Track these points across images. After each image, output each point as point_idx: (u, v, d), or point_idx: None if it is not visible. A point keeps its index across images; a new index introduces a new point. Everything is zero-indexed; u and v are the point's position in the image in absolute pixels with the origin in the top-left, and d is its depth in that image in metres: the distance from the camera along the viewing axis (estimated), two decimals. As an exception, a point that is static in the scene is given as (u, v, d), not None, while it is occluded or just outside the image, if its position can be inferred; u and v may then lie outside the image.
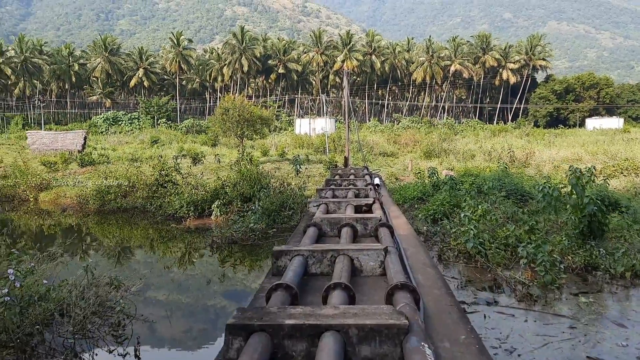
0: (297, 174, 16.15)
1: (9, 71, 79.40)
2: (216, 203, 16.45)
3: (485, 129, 69.92)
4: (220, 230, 13.62)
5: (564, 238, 10.80)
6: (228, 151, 45.02)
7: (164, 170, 19.90)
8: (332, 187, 12.01)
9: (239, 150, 23.09)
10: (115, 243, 15.39)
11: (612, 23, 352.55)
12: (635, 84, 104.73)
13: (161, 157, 37.88)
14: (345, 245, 4.56)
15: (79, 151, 41.81)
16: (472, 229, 10.75)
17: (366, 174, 14.77)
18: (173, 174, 20.09)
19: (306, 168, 27.92)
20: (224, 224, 16.31)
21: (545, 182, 14.93)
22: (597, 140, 41.50)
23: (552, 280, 9.02)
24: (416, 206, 17.99)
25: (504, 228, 11.86)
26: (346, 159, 17.26)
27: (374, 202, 8.66)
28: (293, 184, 21.12)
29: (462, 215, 11.68)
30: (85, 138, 44.28)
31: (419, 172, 25.13)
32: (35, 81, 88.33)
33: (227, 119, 28.71)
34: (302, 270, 3.77)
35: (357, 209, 8.30)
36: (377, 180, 13.80)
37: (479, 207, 12.22)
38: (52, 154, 41.12)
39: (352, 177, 14.67)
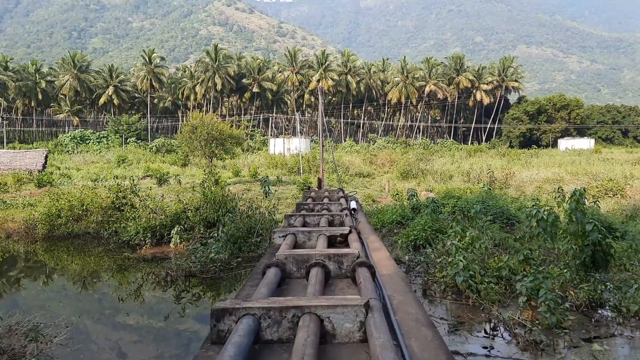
0: (267, 196, 14.71)
1: (-30, 87, 76.30)
2: (175, 229, 14.83)
3: (461, 149, 69.73)
4: (175, 261, 12.01)
5: (564, 270, 9.55)
6: (198, 171, 43.29)
7: (120, 192, 18.21)
8: (303, 212, 10.55)
9: (204, 171, 21.54)
10: (52, 276, 13.61)
11: (579, 47, 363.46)
12: (604, 105, 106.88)
13: (117, 177, 35.84)
14: (313, 299, 3.15)
15: (38, 171, 39.56)
16: (461, 260, 9.41)
17: (341, 197, 13.42)
18: (130, 196, 18.42)
19: (275, 190, 26.46)
20: (184, 252, 14.70)
21: (534, 205, 13.82)
22: (574, 161, 41.21)
23: (558, 321, 7.71)
24: (395, 231, 16.67)
25: (495, 258, 10.57)
26: (320, 181, 15.92)
27: (350, 232, 7.23)
28: (263, 207, 19.62)
29: (448, 243, 10.34)
30: (46, 157, 42.04)
31: (397, 194, 23.91)
32: (0, 98, 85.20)
33: (195, 137, 27.14)
34: (250, 338, 2.51)
35: (331, 240, 6.88)
36: (353, 204, 12.45)
37: (467, 233, 10.92)
38: (9, 174, 38.82)
39: (326, 200, 13.27)
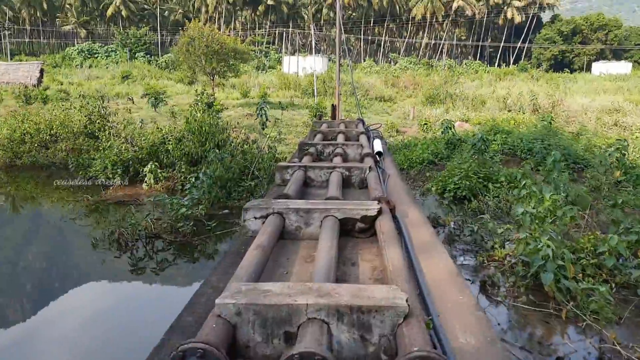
0: (264, 128, 11.23)
1: (-30, -5, 71.38)
2: (148, 166, 11.46)
3: (489, 71, 64.09)
4: (130, 217, 8.68)
5: None
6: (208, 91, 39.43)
7: (93, 113, 14.75)
8: (306, 161, 7.09)
9: (197, 91, 17.88)
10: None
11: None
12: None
13: (117, 95, 32.38)
14: None
15: (33, 85, 36.07)
16: (549, 245, 5.95)
17: (361, 133, 9.83)
18: (109, 120, 15.02)
19: (279, 116, 22.72)
20: (161, 193, 11.46)
21: (618, 147, 10.16)
22: (620, 87, 36.34)
23: None
24: (427, 174, 13.13)
25: (589, 234, 7.09)
26: (334, 109, 12.24)
27: (378, 214, 3.67)
28: (267, 137, 16.05)
29: (519, 210, 6.81)
30: (41, 71, 38.40)
31: (425, 124, 20.10)
32: (4, 7, 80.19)
33: (192, 51, 23.11)
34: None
35: (346, 227, 3.22)
36: (378, 145, 8.92)
37: (546, 194, 7.30)
38: (3, 87, 35.48)
39: (340, 137, 9.72)
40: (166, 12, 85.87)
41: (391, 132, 20.13)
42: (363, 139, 9.48)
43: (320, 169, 6.24)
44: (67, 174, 13.53)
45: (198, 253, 8.38)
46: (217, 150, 10.88)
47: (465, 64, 77.14)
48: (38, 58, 69.66)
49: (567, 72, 67.79)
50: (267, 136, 12.65)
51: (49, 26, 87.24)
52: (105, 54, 71.77)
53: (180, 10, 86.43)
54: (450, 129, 15.00)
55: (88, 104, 15.12)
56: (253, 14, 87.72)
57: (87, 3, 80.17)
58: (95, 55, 71.54)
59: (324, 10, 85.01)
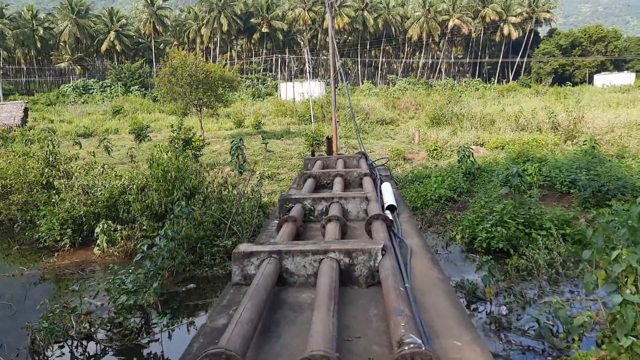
0: (241, 173, 8.94)
1: (-36, 37, 70.37)
2: (100, 226, 9.04)
3: (489, 88, 62.04)
4: (52, 312, 6.11)
5: None
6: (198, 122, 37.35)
7: (53, 157, 12.37)
8: (279, 245, 4.25)
9: (172, 127, 15.56)
10: None
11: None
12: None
13: (107, 131, 30.18)
14: None
15: (17, 126, 34.01)
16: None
17: (365, 175, 7.47)
18: (70, 166, 12.66)
19: (270, 147, 20.39)
20: (119, 259, 9.01)
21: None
22: (635, 99, 33.96)
23: None
24: (447, 215, 10.63)
25: None
26: (330, 142, 9.83)
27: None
28: (256, 176, 13.63)
29: (616, 299, 4.33)
30: (25, 110, 36.33)
31: (435, 149, 17.69)
32: (-1, 48, 79.18)
33: (175, 81, 20.93)
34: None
35: None
36: (389, 195, 6.51)
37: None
38: (-16, 131, 33.36)
39: (338, 182, 7.38)
40: (161, 44, 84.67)
41: (397, 161, 17.73)
42: (367, 184, 7.07)
43: (303, 254, 3.73)
44: (11, 237, 11.09)
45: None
46: (182, 203, 8.47)
47: (465, 82, 75.27)
48: (33, 97, 68.22)
49: (570, 85, 65.69)
50: (249, 179, 10.12)
51: (44, 64, 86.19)
52: (100, 89, 70.29)
53: (175, 42, 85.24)
54: (469, 157, 12.58)
55: (49, 145, 12.71)
56: (248, 43, 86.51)
57: (80, 40, 79.01)
58: (90, 91, 70.05)
59: (320, 36, 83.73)
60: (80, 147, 14.31)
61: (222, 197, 9.98)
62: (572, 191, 10.03)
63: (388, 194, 6.59)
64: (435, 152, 17.36)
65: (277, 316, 3.34)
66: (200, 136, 15.20)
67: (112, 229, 9.64)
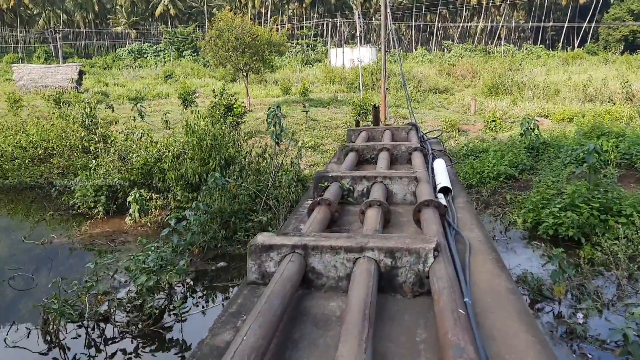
0: (278, 144, 8.19)
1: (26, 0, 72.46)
2: (132, 195, 8.58)
3: (552, 55, 58.09)
4: (65, 291, 5.63)
5: None
6: (249, 87, 36.84)
7: (89, 121, 12.03)
8: (307, 237, 3.24)
9: (214, 91, 14.89)
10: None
11: None
12: None
13: (158, 95, 30.21)
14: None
15: (72, 88, 34.66)
16: None
17: (415, 149, 6.50)
18: (110, 130, 12.33)
19: (315, 116, 19.48)
20: (151, 230, 8.57)
21: None
22: None
23: None
24: (507, 195, 9.53)
25: None
26: (377, 111, 8.84)
27: None
28: (298, 147, 12.85)
29: None
30: (80, 72, 36.97)
31: (493, 121, 16.31)
32: (59, 11, 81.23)
33: (221, 44, 20.24)
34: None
35: None
36: (443, 175, 5.52)
37: None
38: (42, 92, 34.20)
39: (383, 157, 6.45)
40: (214, 8, 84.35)
41: (450, 132, 16.49)
42: (417, 160, 6.17)
43: (334, 251, 2.82)
44: (51, 200, 10.91)
45: (170, 346, 5.34)
46: (216, 174, 7.82)
47: (526, 48, 70.95)
48: (90, 60, 69.89)
49: (641, 53, 60.52)
50: (283, 151, 9.30)
51: (102, 28, 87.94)
52: (154, 54, 71.07)
53: (227, 6, 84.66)
54: (533, 129, 11.28)
55: (87, 108, 12.37)
56: (300, 7, 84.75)
57: (136, 4, 79.83)
58: (145, 55, 70.96)
59: (374, 0, 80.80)
60: (113, 111, 13.94)
61: (259, 169, 9.30)
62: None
63: (441, 173, 5.67)
64: (493, 123, 15.99)
65: (296, 333, 2.55)
66: (242, 103, 14.49)
67: (147, 197, 9.21)
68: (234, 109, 13.88)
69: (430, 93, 29.40)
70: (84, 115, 11.55)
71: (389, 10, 12.76)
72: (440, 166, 5.87)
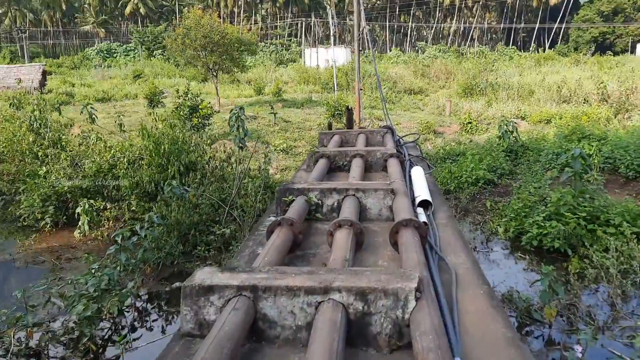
0: (241, 147, 7.50)
1: (-11, -2, 69.83)
2: (82, 205, 7.77)
3: (525, 57, 58.60)
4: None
5: None
6: (221, 87, 35.94)
7: (39, 124, 11.08)
8: (255, 276, 2.41)
9: (177, 91, 14.10)
10: None
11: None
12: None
13: (126, 96, 29.12)
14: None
15: (35, 89, 33.16)
16: None
17: (391, 156, 5.90)
18: (65, 134, 11.40)
19: (275, 116, 18.83)
20: (103, 245, 7.77)
21: None
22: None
23: None
24: (487, 202, 9.03)
25: None
26: (350, 113, 8.19)
27: None
28: (267, 151, 12.17)
29: None
30: (44, 73, 35.44)
31: (469, 122, 15.92)
32: (25, 10, 78.60)
33: (189, 42, 19.39)
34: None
35: None
36: (422, 187, 4.80)
37: None
38: (2, 93, 32.62)
39: (356, 164, 5.78)
40: (185, 7, 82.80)
41: (426, 135, 16.02)
42: (394, 168, 5.60)
43: (291, 293, 2.03)
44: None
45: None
46: (173, 183, 7.09)
47: (498, 50, 71.60)
48: (57, 60, 67.70)
49: (611, 54, 61.71)
50: (245, 153, 8.53)
51: (69, 27, 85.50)
52: (124, 53, 69.36)
53: (199, 6, 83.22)
54: (512, 132, 10.84)
55: (36, 109, 11.38)
56: (273, 6, 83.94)
57: (105, 2, 77.82)
58: (114, 55, 69.14)
59: (347, 0, 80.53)
60: (60, 114, 12.92)
61: (224, 175, 8.60)
62: (641, 177, 8.30)
63: (420, 182, 5.07)
64: (469, 125, 15.60)
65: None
66: (209, 104, 13.69)
67: (100, 207, 8.40)
68: (200, 110, 13.11)
69: (405, 94, 29.02)
70: (32, 118, 10.60)
71: (362, 8, 12.19)
72: (418, 174, 5.29)
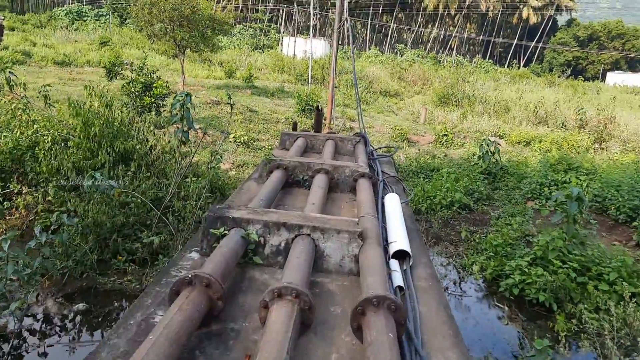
0: (184, 143, 6.28)
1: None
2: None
3: (501, 71, 58.67)
4: None
5: None
6: (191, 66, 34.07)
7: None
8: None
9: (131, 65, 12.55)
10: None
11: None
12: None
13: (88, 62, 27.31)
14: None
15: (-12, 43, 30.58)
16: None
17: (361, 175, 4.58)
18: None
19: (232, 108, 17.49)
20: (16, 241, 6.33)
21: None
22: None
23: None
24: (461, 230, 8.02)
25: None
26: (319, 114, 6.93)
27: None
28: (228, 140, 10.85)
29: None
30: (0, 27, 32.81)
31: (445, 135, 15.00)
32: (-8, -41, 73.68)
33: (157, 13, 17.74)
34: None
35: None
36: (397, 232, 3.40)
37: None
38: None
39: (319, 183, 4.37)
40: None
41: (400, 143, 15.01)
42: (364, 193, 4.52)
43: None
44: None
45: None
46: (96, 174, 5.75)
47: (476, 62, 71.76)
48: (23, 16, 63.72)
49: (582, 79, 62.63)
50: (191, 148, 7.14)
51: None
52: (95, 18, 65.92)
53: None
54: (493, 153, 9.90)
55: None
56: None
57: (80, -38, 73.83)
58: (84, 19, 65.60)
59: (332, -7, 79.06)
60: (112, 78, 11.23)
61: (165, 170, 7.28)
62: (635, 222, 7.42)
63: (395, 218, 3.93)
64: (444, 137, 14.68)
65: None
66: (166, 83, 12.17)
67: (16, 191, 6.98)
68: (154, 89, 11.62)
69: (381, 96, 28.03)
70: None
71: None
72: (393, 205, 4.17)
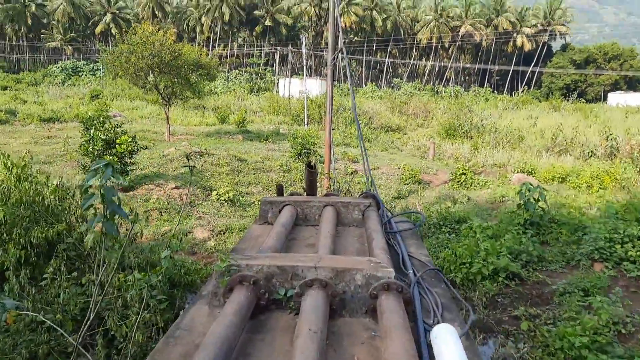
0: (115, 238, 4.28)
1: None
2: None
3: (500, 99, 57.20)
4: None
5: None
6: (183, 113, 32.51)
7: None
8: None
9: (92, 116, 10.80)
10: None
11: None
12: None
13: (78, 117, 25.92)
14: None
15: (-29, 105, 29.11)
16: None
17: (384, 287, 2.03)
18: None
19: (192, 171, 15.47)
20: None
21: None
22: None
23: None
24: (522, 323, 5.82)
25: None
26: (312, 174, 4.96)
27: None
28: (169, 238, 8.74)
29: None
30: (-16, 87, 31.44)
31: (463, 173, 12.91)
32: (-12, 23, 74.26)
33: (134, 61, 16.05)
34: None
35: None
36: None
37: None
38: None
39: (315, 301, 2.39)
40: (159, 30, 79.71)
41: (410, 184, 12.95)
42: (396, 337, 1.83)
43: None
44: None
45: None
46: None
47: (474, 91, 70.58)
48: (17, 75, 63.29)
49: (584, 102, 61.11)
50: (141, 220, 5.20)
51: (36, 42, 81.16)
52: (90, 72, 65.49)
53: (174, 30, 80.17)
54: (538, 200, 7.79)
55: None
56: (251, 36, 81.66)
57: (74, 19, 74.04)
58: (80, 74, 65.15)
59: (325, 34, 78.90)
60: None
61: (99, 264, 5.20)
62: None
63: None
64: (463, 177, 12.63)
65: None
66: (128, 138, 10.11)
67: None
68: (117, 146, 9.64)
69: (383, 131, 26.18)
70: None
71: (339, 22, 9.16)
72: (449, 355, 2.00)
